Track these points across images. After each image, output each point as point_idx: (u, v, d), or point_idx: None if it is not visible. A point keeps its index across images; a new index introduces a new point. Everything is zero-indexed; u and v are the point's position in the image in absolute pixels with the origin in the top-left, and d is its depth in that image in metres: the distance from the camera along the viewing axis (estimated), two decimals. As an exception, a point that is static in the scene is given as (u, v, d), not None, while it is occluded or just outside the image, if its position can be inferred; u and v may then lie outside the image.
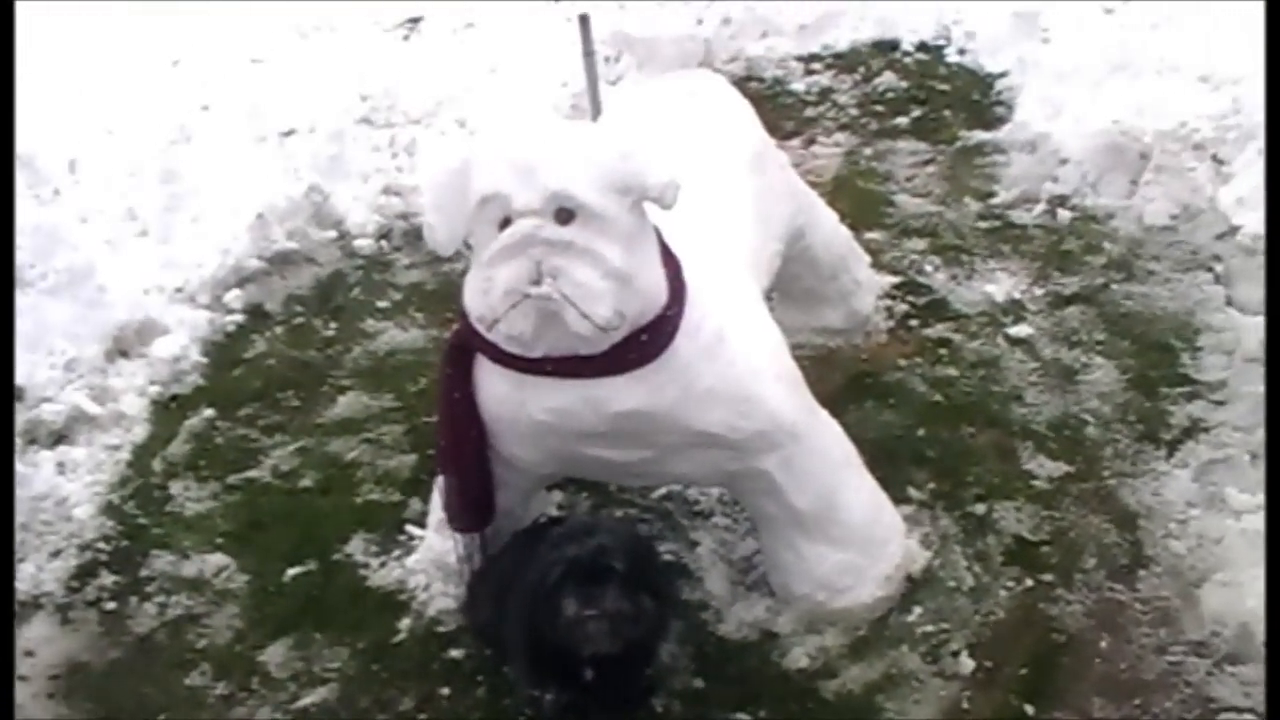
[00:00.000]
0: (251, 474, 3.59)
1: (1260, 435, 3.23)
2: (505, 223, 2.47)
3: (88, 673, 3.10)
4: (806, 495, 2.85)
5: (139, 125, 4.45)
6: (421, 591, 3.16)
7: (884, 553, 2.98)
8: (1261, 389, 3.35)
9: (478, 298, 2.53)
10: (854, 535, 2.93)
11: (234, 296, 4.14)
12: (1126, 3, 4.85)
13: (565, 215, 2.45)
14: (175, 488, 3.57)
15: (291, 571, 3.28)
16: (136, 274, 4.03)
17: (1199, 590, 2.94)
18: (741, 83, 4.47)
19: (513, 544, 2.90)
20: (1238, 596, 2.88)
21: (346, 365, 3.93)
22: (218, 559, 3.34)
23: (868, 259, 3.82)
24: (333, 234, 4.37)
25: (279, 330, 4.09)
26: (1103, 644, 2.86)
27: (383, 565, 3.26)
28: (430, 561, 3.16)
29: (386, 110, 4.74)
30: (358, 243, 4.37)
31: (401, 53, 5.21)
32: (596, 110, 4.67)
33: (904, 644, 2.90)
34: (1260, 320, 3.56)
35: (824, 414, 2.95)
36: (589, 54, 4.58)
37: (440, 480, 3.04)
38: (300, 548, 3.34)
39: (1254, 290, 3.69)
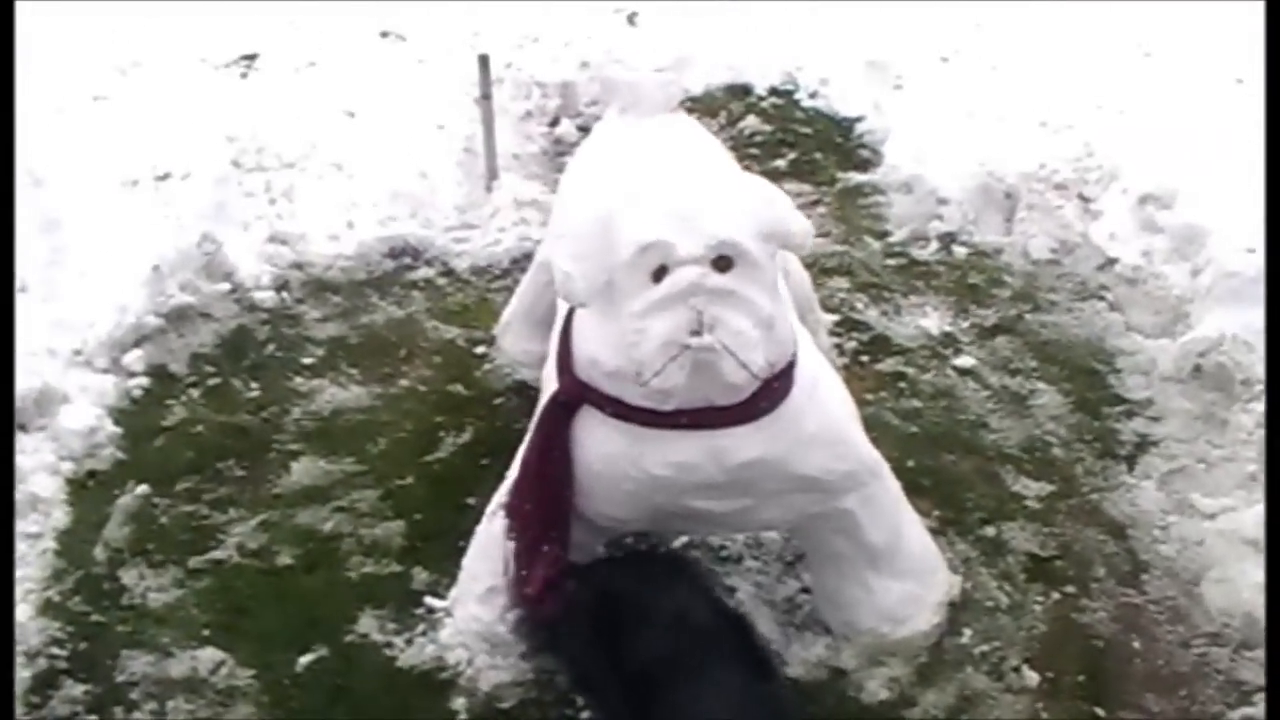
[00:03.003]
0: (216, 555, 3.25)
1: (1203, 445, 3.58)
2: (659, 272, 2.39)
3: (90, 799, 2.72)
4: (881, 530, 2.92)
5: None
6: (465, 666, 2.96)
7: (935, 580, 3.09)
8: (1189, 405, 3.72)
9: (626, 351, 2.42)
10: (914, 566, 3.02)
11: (134, 358, 3.72)
12: (959, 53, 5.23)
13: (724, 263, 2.40)
14: (128, 577, 3.19)
15: (303, 660, 3.00)
16: (23, 336, 3.52)
17: (1198, 588, 3.22)
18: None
19: (651, 575, 2.82)
20: (1234, 590, 3.17)
21: (289, 429, 3.61)
22: (209, 654, 3.01)
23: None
24: (226, 286, 4.01)
25: (193, 393, 3.71)
26: (1136, 644, 3.09)
27: (409, 643, 3.03)
28: (474, 634, 2.97)
29: (255, 154, 4.39)
30: (256, 295, 4.02)
31: (243, 92, 4.85)
32: (491, 154, 4.54)
33: (967, 666, 3.02)
34: (1165, 343, 3.93)
35: (877, 451, 3.02)
36: (486, 97, 4.47)
37: (489, 546, 2.89)
38: (303, 632, 3.06)
39: (1146, 316, 4.07)
